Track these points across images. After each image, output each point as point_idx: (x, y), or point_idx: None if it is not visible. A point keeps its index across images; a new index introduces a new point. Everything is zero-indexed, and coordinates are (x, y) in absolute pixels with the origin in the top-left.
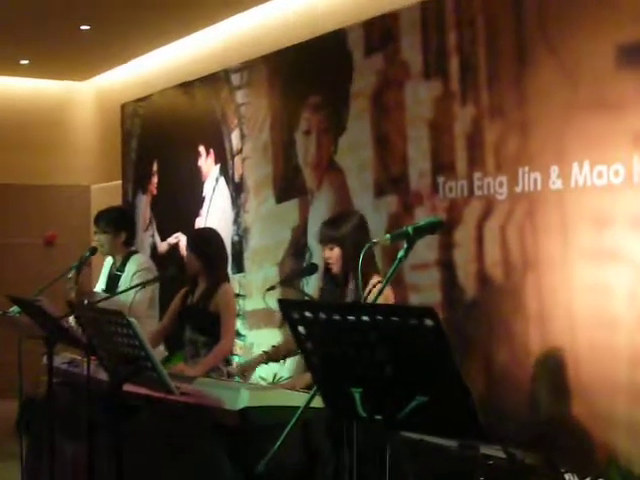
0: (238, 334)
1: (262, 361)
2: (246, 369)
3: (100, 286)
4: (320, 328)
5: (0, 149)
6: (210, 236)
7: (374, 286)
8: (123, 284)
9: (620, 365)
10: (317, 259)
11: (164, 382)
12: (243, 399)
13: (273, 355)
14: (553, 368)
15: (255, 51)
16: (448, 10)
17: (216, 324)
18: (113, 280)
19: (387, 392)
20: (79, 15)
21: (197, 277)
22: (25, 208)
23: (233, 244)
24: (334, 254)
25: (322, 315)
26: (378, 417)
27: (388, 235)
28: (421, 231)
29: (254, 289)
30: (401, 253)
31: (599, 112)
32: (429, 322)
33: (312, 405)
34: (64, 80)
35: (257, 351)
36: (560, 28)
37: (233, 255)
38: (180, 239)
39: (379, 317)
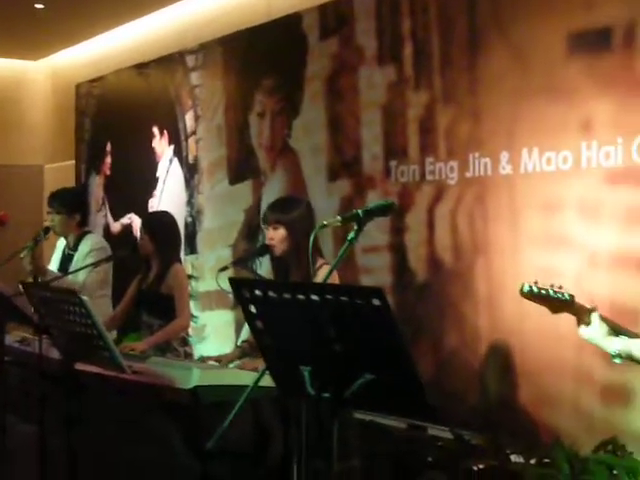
0: (191, 316)
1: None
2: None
3: (53, 266)
4: (270, 307)
5: None
6: (165, 219)
7: (318, 269)
8: (76, 263)
9: (566, 349)
10: None
11: (116, 361)
12: (195, 378)
13: (247, 350)
14: (501, 352)
15: (210, 33)
16: None
17: (169, 306)
18: (66, 260)
19: (335, 370)
20: None
21: (150, 259)
22: None
23: (186, 225)
24: (278, 234)
25: (272, 294)
26: (326, 395)
27: (339, 217)
28: (371, 213)
29: (207, 270)
30: (351, 235)
31: (549, 99)
32: (377, 302)
33: (262, 384)
34: (18, 59)
35: (209, 332)
36: (512, 15)
37: (186, 236)
38: (133, 220)
39: (328, 296)
